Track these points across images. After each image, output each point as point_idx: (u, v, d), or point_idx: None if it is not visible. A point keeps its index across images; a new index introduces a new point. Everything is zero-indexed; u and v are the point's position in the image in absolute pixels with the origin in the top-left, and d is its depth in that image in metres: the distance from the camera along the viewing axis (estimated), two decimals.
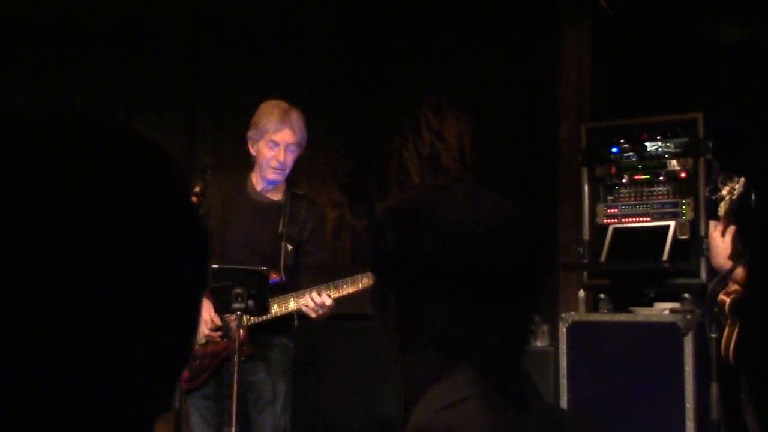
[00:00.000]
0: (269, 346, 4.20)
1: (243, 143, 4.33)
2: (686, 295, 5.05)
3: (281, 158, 4.21)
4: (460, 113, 6.53)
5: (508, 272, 1.32)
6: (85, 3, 6.53)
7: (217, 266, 3.87)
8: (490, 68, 6.38)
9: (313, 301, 4.03)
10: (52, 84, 6.83)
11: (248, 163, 4.37)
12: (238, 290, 3.75)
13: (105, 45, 6.70)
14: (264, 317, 4.08)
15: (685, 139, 5.30)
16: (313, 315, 4.07)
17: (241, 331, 3.93)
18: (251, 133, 4.26)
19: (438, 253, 1.31)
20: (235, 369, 3.78)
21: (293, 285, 4.17)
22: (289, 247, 4.22)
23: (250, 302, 3.76)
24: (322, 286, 4.06)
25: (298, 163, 4.36)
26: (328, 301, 4.04)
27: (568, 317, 5.24)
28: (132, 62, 6.74)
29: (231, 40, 6.62)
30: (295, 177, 5.99)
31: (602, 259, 5.34)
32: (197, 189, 3.97)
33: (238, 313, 3.79)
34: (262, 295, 3.80)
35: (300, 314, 4.15)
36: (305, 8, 6.55)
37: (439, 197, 1.35)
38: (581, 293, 5.41)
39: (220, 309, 3.91)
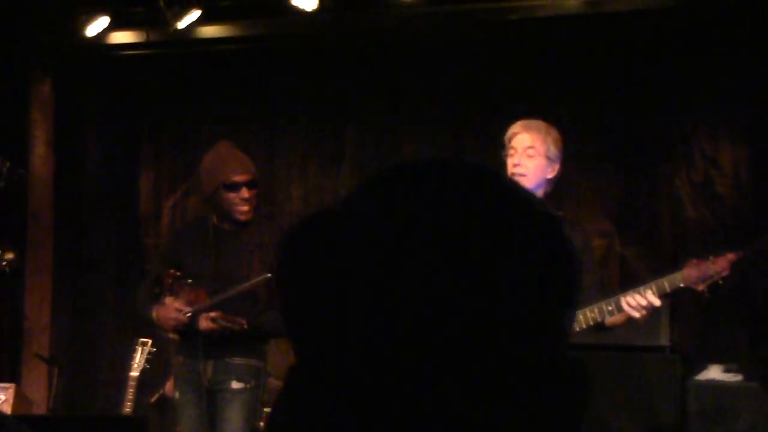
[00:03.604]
0: None
1: None
2: None
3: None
4: (736, 138, 6.24)
5: None
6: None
7: None
8: None
9: (635, 300, 3.94)
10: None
11: None
12: None
13: (375, 73, 6.90)
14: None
15: None
16: (636, 314, 3.98)
17: None
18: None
19: None
20: None
21: None
22: None
23: None
24: (640, 288, 3.97)
25: (565, 189, 4.26)
26: (654, 300, 3.96)
27: None
28: (401, 94, 6.90)
29: (500, 69, 6.63)
30: (563, 203, 5.92)
31: None
32: None
33: None
34: None
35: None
36: (569, 33, 6.48)
37: None
38: None
39: None
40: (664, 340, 5.34)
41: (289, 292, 0.84)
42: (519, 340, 0.79)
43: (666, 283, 4.01)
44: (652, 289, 3.98)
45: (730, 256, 3.98)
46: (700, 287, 4.01)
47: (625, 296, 3.98)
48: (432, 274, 0.78)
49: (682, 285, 4.01)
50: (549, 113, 6.15)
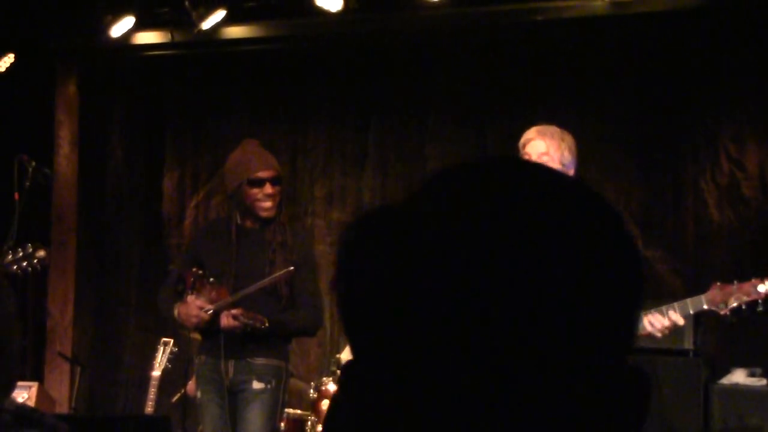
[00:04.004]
0: None
1: None
2: None
3: None
4: (762, 140, 6.19)
5: None
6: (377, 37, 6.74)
7: None
8: None
9: (658, 321, 3.96)
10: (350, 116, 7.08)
11: None
12: None
13: (399, 74, 6.90)
14: None
15: None
16: (659, 334, 4.01)
17: None
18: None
19: None
20: None
21: None
22: None
23: None
24: (662, 307, 4.00)
25: None
26: (677, 319, 3.97)
27: None
28: (425, 95, 6.89)
29: (524, 70, 6.62)
30: None
31: None
32: None
33: None
34: None
35: None
36: (595, 34, 6.46)
37: None
38: None
39: None
40: (687, 344, 5.30)
41: (350, 288, 0.83)
42: (585, 342, 0.78)
43: (689, 304, 4.01)
44: (674, 309, 3.98)
45: (755, 282, 3.98)
46: (724, 311, 4.00)
47: (647, 315, 3.97)
48: (498, 272, 0.77)
49: (705, 307, 4.02)
50: (573, 114, 6.16)
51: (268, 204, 4.79)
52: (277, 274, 4.66)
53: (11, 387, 1.53)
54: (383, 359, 0.80)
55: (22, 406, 1.39)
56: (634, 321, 0.82)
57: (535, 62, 6.61)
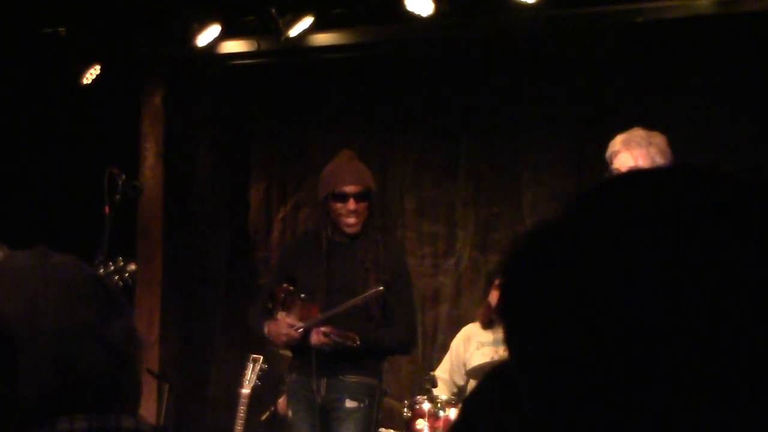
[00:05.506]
0: None
1: None
2: None
3: None
4: None
5: None
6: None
7: None
8: None
9: None
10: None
11: None
12: None
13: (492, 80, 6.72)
14: None
15: None
16: None
17: None
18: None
19: None
20: None
21: None
22: None
23: None
24: None
25: None
26: None
27: None
28: (519, 101, 6.69)
29: (624, 74, 6.41)
30: None
31: None
32: None
33: None
34: None
35: None
36: (699, 35, 6.19)
37: None
38: None
39: None
40: None
41: (520, 316, 0.80)
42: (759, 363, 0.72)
43: None
44: None
45: None
46: None
47: None
48: (671, 289, 0.73)
49: None
50: (676, 118, 5.90)
51: (351, 220, 4.73)
52: (367, 293, 4.60)
53: (138, 404, 1.48)
54: (555, 377, 0.77)
55: (152, 426, 1.25)
56: None
57: (636, 66, 6.41)
